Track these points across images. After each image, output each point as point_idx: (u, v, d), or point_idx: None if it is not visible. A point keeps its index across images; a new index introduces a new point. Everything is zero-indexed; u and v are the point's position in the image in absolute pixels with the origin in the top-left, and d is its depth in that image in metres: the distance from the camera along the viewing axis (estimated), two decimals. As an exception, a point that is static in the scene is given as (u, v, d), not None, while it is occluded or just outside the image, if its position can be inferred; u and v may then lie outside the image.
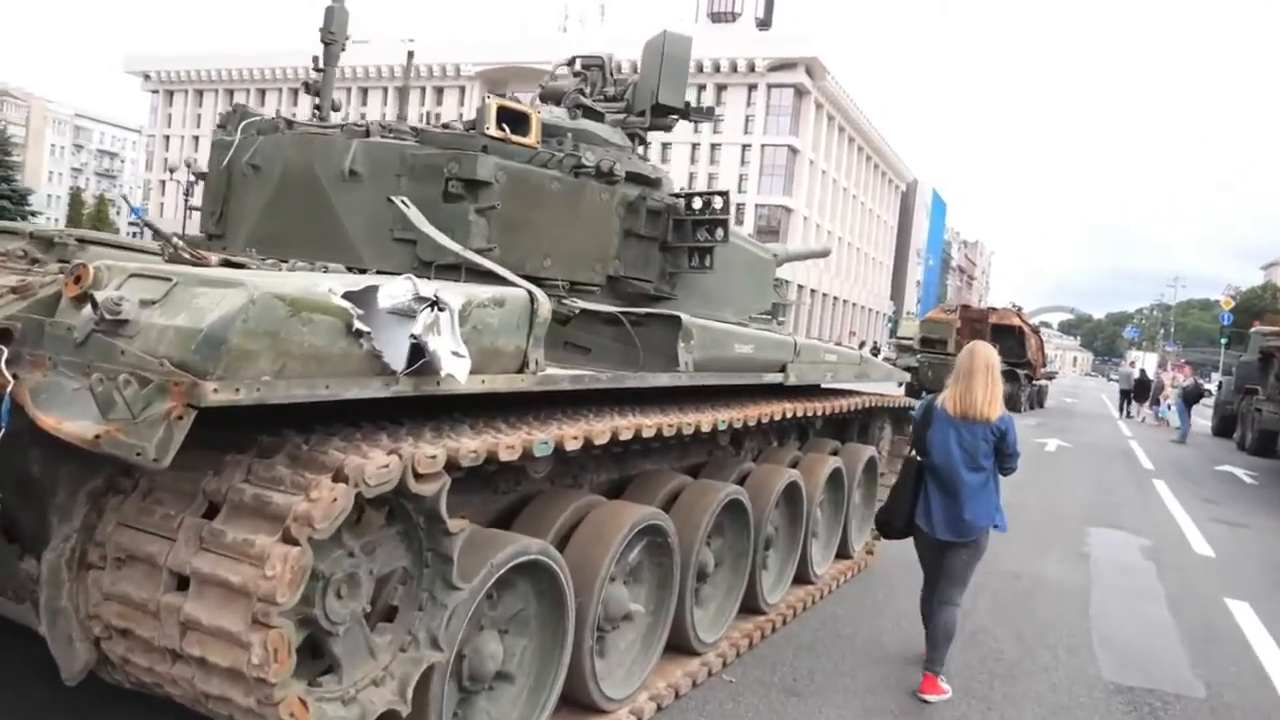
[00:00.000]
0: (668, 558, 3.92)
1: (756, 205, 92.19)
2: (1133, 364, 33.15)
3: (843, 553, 6.48)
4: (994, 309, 30.50)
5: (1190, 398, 23.85)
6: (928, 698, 4.48)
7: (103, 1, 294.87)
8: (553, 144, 4.26)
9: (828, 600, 5.95)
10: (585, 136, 4.43)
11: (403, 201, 3.73)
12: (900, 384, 26.55)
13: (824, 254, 11.27)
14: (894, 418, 7.67)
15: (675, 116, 5.04)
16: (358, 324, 2.36)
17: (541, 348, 2.95)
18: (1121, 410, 31.66)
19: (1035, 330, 31.91)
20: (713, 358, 3.96)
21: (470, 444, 2.66)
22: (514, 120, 4.11)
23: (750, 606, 4.93)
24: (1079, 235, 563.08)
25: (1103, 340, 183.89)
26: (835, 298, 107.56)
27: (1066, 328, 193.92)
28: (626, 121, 4.85)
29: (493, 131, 3.99)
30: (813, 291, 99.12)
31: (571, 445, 3.04)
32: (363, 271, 3.31)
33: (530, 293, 2.85)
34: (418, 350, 2.45)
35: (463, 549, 2.67)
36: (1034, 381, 28.72)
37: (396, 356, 2.43)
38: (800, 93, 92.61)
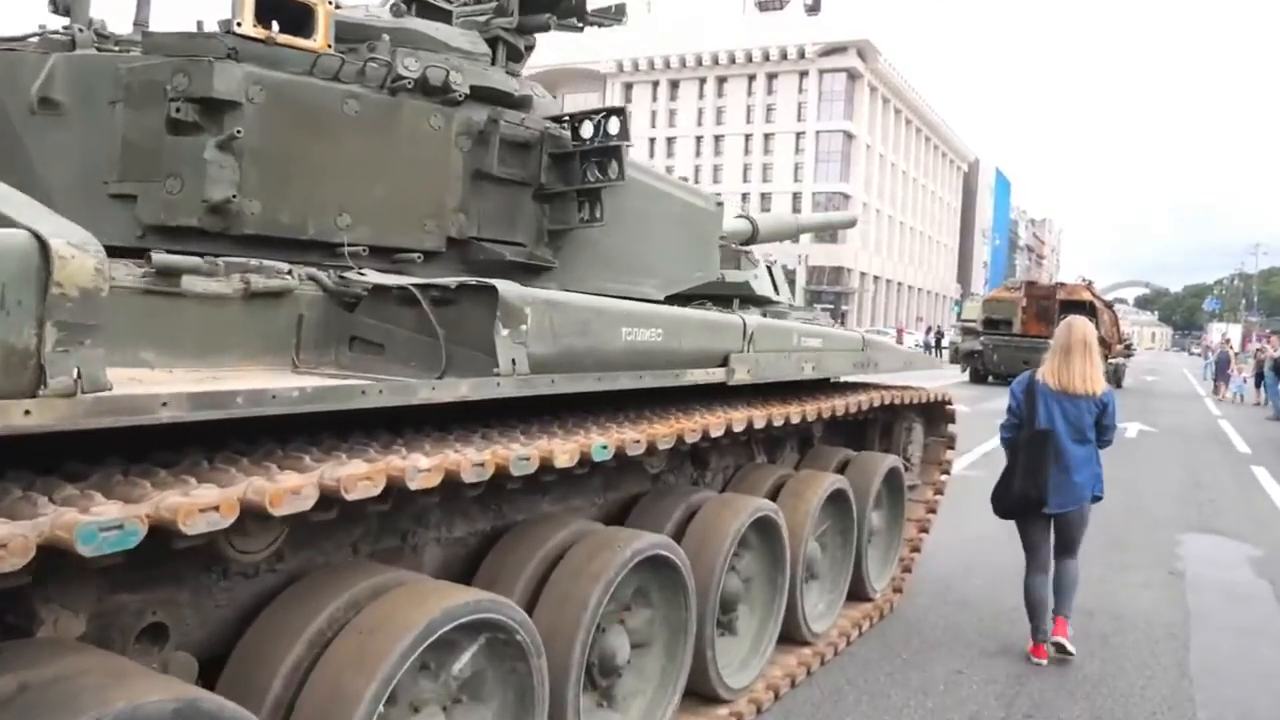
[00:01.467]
0: (522, 662, 2.53)
1: (814, 193, 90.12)
2: (1226, 339, 30.41)
3: (859, 593, 5.00)
4: (1062, 284, 28.20)
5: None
6: (1065, 642, 4.73)
7: None
8: (362, 50, 2.92)
9: (830, 668, 4.49)
10: (409, 39, 3.02)
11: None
12: (963, 369, 24.67)
13: (850, 222, 9.87)
14: (926, 415, 6.15)
15: (557, 15, 3.57)
16: None
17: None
18: (1215, 390, 29.20)
19: (1108, 305, 29.51)
20: (580, 351, 2.56)
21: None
22: (289, 15, 2.78)
23: (702, 692, 3.51)
24: (1152, 209, 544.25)
25: (1181, 314, 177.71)
26: (899, 283, 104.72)
27: (1143, 303, 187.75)
28: (489, 25, 3.41)
29: (248, 30, 2.66)
30: (875, 278, 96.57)
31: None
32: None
33: (38, 238, 1.47)
34: None
35: None
36: (1109, 359, 26.52)
37: None
38: (853, 77, 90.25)
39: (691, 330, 3.07)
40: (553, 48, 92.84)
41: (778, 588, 3.97)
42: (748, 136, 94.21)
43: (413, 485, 2.04)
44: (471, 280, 2.37)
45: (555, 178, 3.15)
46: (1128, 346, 48.93)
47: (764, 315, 13.61)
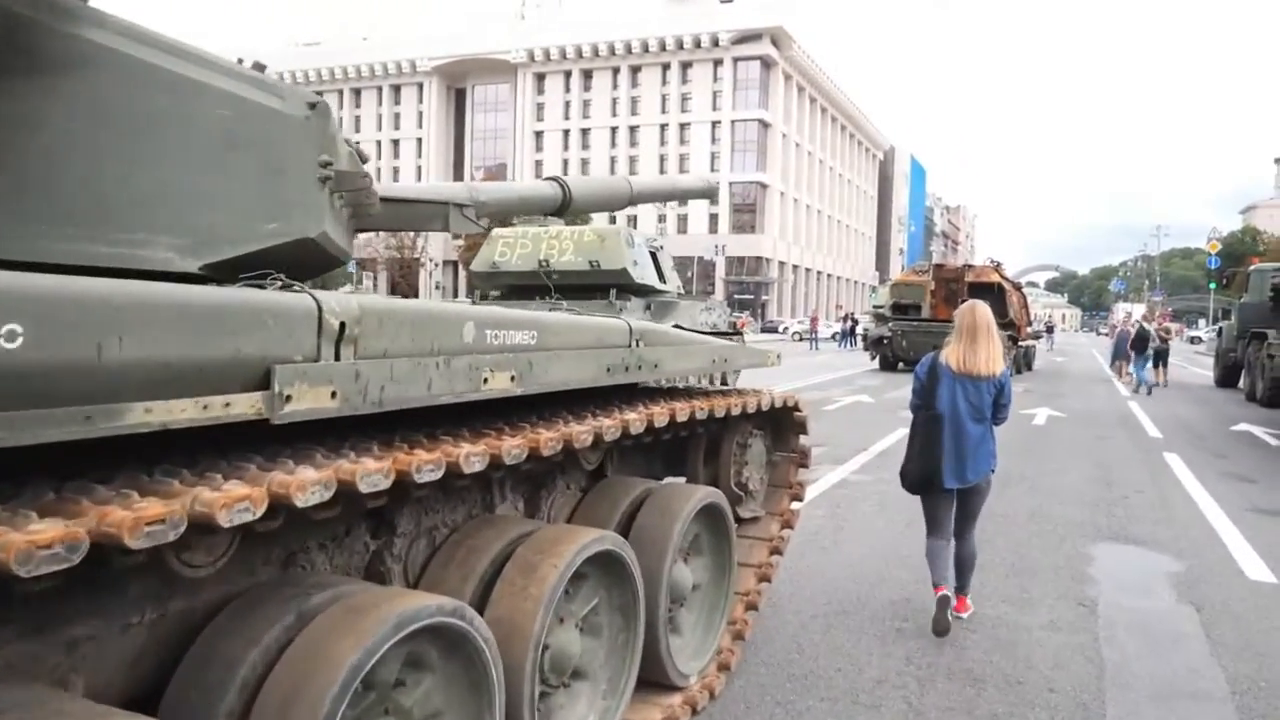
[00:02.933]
0: None
1: (731, 183, 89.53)
2: (1134, 318, 29.74)
3: (663, 684, 3.59)
4: (970, 266, 27.38)
5: (1139, 345, 22.61)
6: (964, 615, 5.02)
7: None
8: None
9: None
10: None
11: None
12: (872, 356, 23.73)
13: (708, 192, 8.68)
14: (770, 427, 4.82)
15: None
16: None
17: None
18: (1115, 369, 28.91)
19: (1017, 286, 28.90)
20: None
21: None
22: None
23: None
24: (1063, 195, 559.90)
25: (1089, 296, 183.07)
26: (819, 272, 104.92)
27: (1053, 285, 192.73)
28: None
29: None
30: (794, 268, 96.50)
31: None
32: None
33: None
34: None
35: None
36: (1019, 343, 25.87)
37: None
38: (767, 65, 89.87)
39: (186, 324, 1.62)
40: (461, 38, 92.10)
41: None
42: (663, 127, 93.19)
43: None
44: None
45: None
46: (1049, 328, 49.97)
47: (648, 309, 12.16)
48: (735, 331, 18.32)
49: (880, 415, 14.17)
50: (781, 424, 4.82)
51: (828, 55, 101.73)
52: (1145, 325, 23.16)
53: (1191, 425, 15.12)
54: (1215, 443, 12.94)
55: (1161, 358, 22.52)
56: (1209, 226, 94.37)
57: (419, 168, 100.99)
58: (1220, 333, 24.49)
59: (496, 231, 12.48)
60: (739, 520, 4.40)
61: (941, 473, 4.72)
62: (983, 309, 4.78)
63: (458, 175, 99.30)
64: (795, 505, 4.86)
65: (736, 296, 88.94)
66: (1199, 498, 8.72)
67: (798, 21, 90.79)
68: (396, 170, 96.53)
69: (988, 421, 4.78)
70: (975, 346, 4.66)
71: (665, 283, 13.25)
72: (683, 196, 10.08)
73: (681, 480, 4.28)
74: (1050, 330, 51.77)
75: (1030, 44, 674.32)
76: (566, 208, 6.29)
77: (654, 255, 13.26)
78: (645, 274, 12.54)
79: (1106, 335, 42.78)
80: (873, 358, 25.78)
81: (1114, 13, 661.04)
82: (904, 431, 11.72)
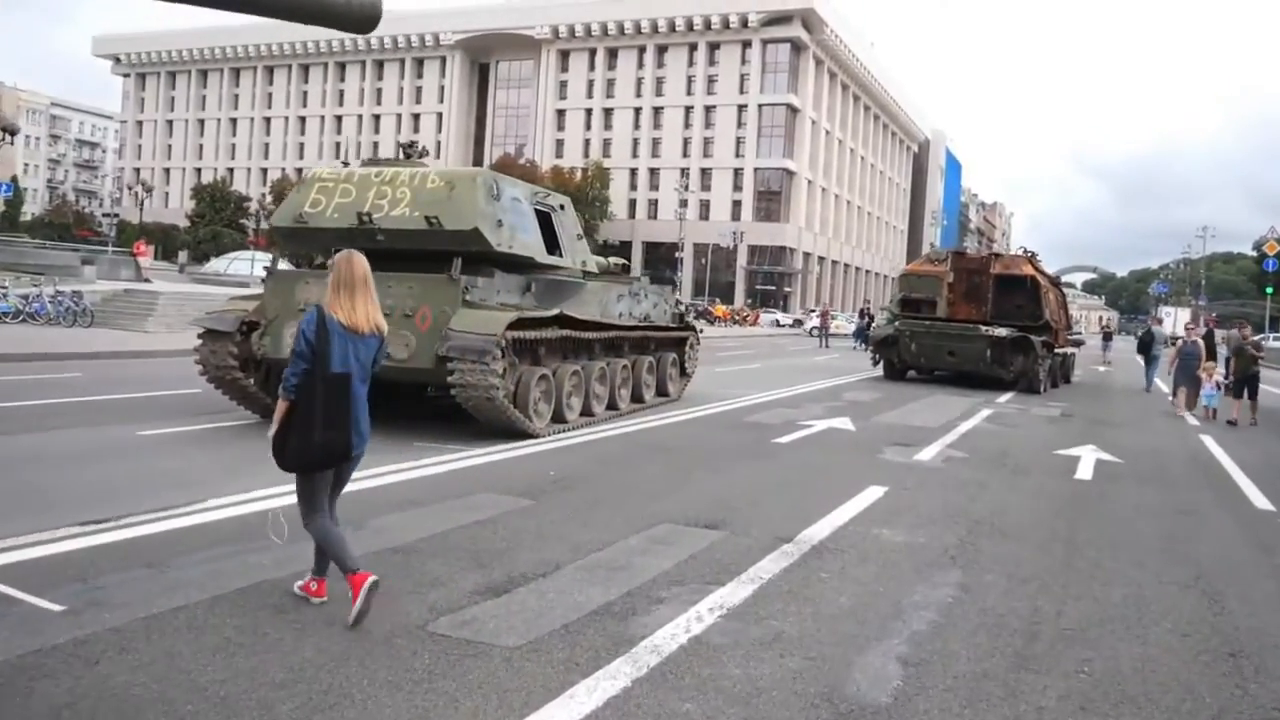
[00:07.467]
0: None
1: (756, 169, 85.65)
2: (1187, 327, 24.24)
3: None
4: (997, 255, 22.20)
5: (1143, 347, 20.85)
6: (318, 601, 4.45)
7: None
8: None
9: None
10: None
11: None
12: (875, 361, 19.51)
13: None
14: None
15: None
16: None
17: None
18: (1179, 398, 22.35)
19: (1055, 283, 23.79)
20: None
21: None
22: None
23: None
24: (1098, 194, 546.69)
25: (1127, 298, 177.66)
26: (846, 264, 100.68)
27: (1091, 287, 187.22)
28: None
29: None
30: (820, 259, 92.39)
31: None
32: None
33: None
34: None
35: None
36: (1055, 351, 21.03)
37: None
38: (797, 48, 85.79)
39: None
40: (486, 11, 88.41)
41: None
42: (688, 109, 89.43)
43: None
44: None
45: None
46: (1108, 334, 42.68)
47: (528, 289, 8.55)
48: (684, 325, 14.71)
49: (852, 457, 9.69)
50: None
51: (862, 41, 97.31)
52: (1214, 331, 18.59)
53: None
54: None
55: (1250, 384, 15.64)
56: (1249, 231, 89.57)
57: (439, 143, 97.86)
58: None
59: (314, 173, 8.75)
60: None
61: (351, 442, 4.37)
62: (359, 259, 4.48)
63: (478, 152, 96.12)
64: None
65: (758, 287, 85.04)
66: None
67: (831, 4, 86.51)
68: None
69: (367, 383, 4.51)
70: (355, 300, 4.38)
71: (562, 255, 9.44)
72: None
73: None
74: (1109, 338, 43.47)
75: (1070, 41, 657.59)
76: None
77: (545, 217, 9.38)
78: (522, 241, 8.71)
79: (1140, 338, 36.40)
80: (876, 362, 21.35)
81: (1162, 13, 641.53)
82: (876, 493, 7.98)
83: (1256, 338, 19.84)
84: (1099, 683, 4.09)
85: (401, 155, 9.92)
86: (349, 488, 4.86)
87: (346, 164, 10.37)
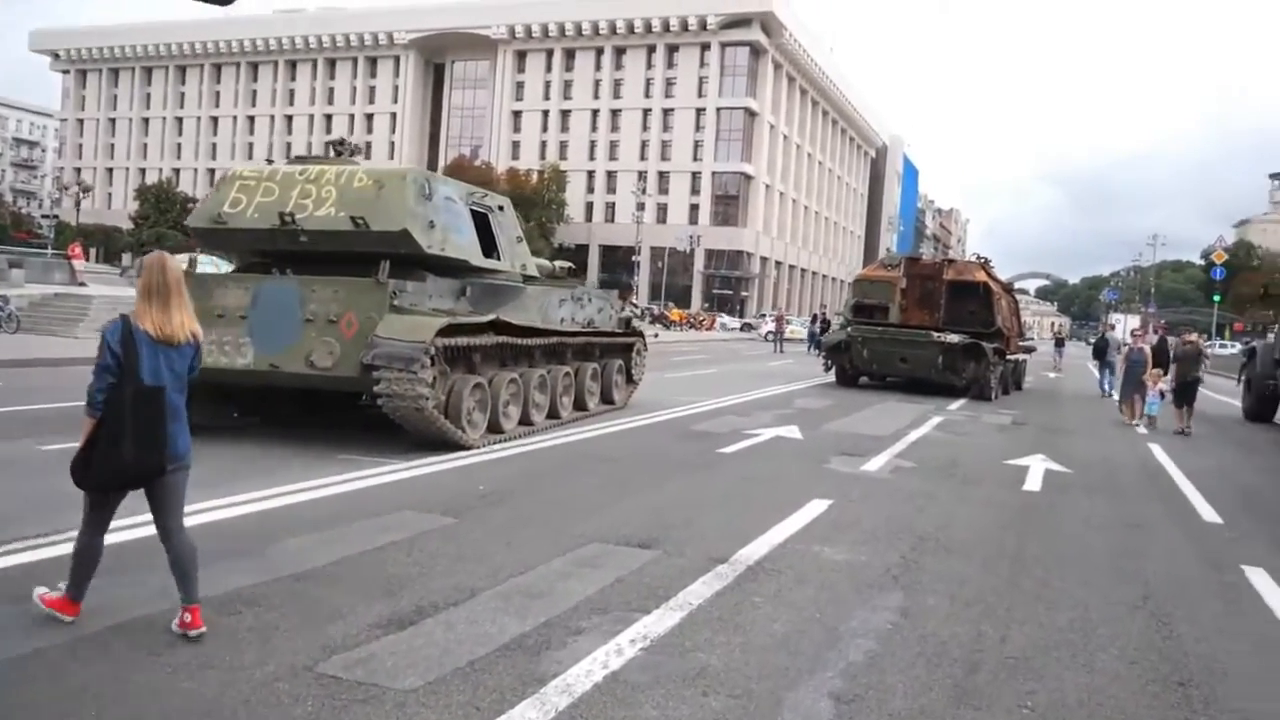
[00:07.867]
0: None
1: (714, 173, 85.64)
2: (1133, 332, 23.86)
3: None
4: (950, 261, 22.51)
5: (1098, 352, 21.37)
6: (195, 634, 4.02)
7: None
8: None
9: None
10: None
11: None
12: (827, 367, 19.30)
13: None
14: None
15: None
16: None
17: None
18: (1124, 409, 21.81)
19: (1008, 289, 23.98)
20: None
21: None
22: None
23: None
24: (1056, 200, 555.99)
25: (1079, 305, 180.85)
26: (803, 269, 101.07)
27: (1044, 293, 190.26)
28: None
29: None
30: (777, 264, 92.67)
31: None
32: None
33: None
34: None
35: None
36: (1007, 357, 20.90)
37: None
38: (756, 51, 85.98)
39: None
40: (440, 11, 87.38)
41: None
42: (646, 111, 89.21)
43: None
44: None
45: None
46: (1060, 341, 42.17)
47: (462, 294, 8.02)
48: (630, 331, 14.39)
49: (798, 468, 9.41)
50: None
51: (820, 45, 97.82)
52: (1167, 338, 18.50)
53: (1256, 493, 10.17)
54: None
55: (1188, 391, 15.65)
56: (1198, 240, 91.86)
57: (392, 144, 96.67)
58: (1252, 354, 19.67)
59: (234, 171, 8.30)
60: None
61: (165, 458, 4.07)
62: (173, 263, 4.20)
63: (433, 153, 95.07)
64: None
65: (715, 291, 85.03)
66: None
67: (790, 8, 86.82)
68: (369, 145, 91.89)
69: (184, 393, 4.21)
70: (169, 309, 4.09)
71: (500, 258, 9.05)
72: None
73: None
74: (1061, 343, 42.25)
75: (1034, 48, 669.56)
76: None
77: (483, 218, 8.99)
78: (455, 243, 8.32)
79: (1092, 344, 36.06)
80: (827, 368, 21.17)
81: (1115, 21, 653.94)
82: (820, 506, 7.74)
83: (1205, 344, 20.03)
84: (1043, 718, 3.82)
85: (331, 153, 9.50)
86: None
87: (271, 161, 9.89)
